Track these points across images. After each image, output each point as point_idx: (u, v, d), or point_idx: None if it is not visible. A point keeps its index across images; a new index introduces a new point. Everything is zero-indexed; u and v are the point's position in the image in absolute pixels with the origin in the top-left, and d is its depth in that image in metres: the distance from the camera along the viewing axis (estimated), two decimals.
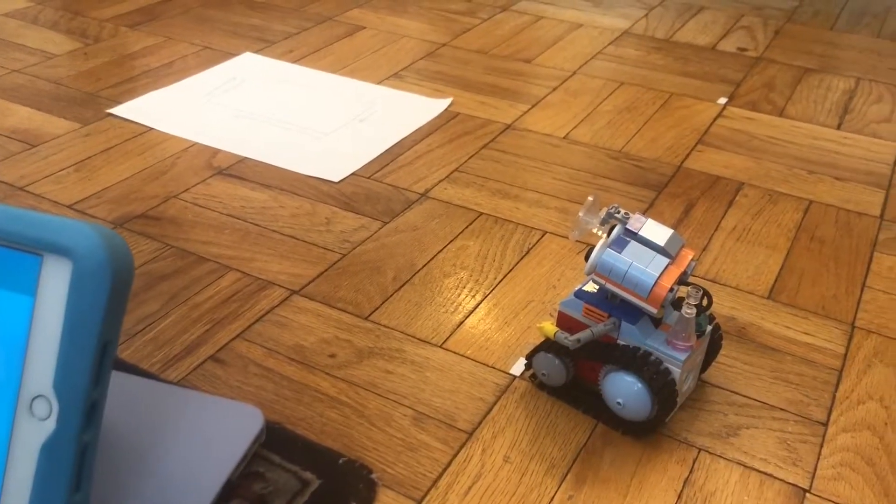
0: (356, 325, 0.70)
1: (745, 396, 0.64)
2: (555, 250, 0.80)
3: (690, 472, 0.58)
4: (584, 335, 0.58)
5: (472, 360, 0.67)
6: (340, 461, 0.57)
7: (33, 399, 0.43)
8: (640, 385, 0.57)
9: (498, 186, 0.91)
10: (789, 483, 0.57)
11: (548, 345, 0.62)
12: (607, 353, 0.59)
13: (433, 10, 1.41)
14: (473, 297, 0.74)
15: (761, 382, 0.66)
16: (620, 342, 0.59)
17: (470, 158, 0.96)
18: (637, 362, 0.57)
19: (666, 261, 0.57)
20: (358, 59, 1.21)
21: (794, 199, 0.90)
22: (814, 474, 0.58)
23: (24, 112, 1.04)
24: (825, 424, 0.62)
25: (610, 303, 0.60)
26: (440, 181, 0.91)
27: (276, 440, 0.58)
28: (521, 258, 0.79)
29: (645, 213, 0.87)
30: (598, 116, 1.07)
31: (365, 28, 1.33)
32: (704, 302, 0.59)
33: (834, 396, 0.65)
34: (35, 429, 0.43)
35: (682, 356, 0.57)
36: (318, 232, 0.82)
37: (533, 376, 0.65)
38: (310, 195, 0.88)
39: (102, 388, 0.43)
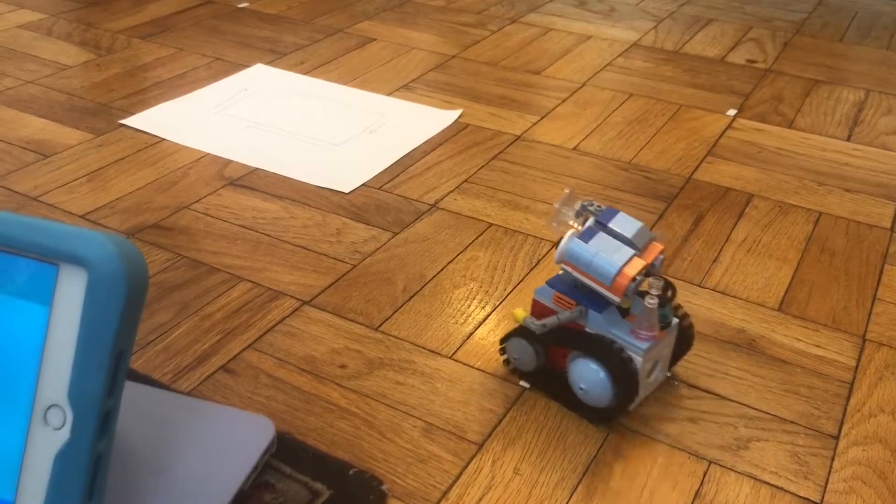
0: (366, 335, 0.70)
1: (755, 409, 0.64)
2: None
3: (701, 484, 0.58)
4: (549, 321, 0.60)
5: (482, 371, 0.67)
6: (351, 472, 0.57)
7: (48, 408, 0.43)
8: (602, 372, 0.58)
9: (508, 197, 0.91)
10: (800, 497, 0.57)
11: (520, 330, 0.64)
12: (574, 340, 0.61)
13: (443, 21, 1.42)
14: (483, 308, 0.74)
15: (772, 395, 0.65)
16: (588, 330, 0.61)
17: (479, 169, 0.96)
18: (601, 350, 0.59)
19: (631, 252, 0.58)
20: (368, 71, 1.22)
21: (804, 211, 0.90)
22: (825, 488, 0.58)
23: (38, 123, 1.05)
24: (836, 437, 0.62)
25: (578, 291, 0.61)
26: (450, 192, 0.92)
27: (286, 451, 0.58)
28: (531, 269, 0.79)
29: (655, 224, 0.87)
30: (607, 128, 1.07)
31: (375, 40, 1.33)
32: (668, 294, 0.60)
33: (845, 409, 0.64)
34: (49, 438, 0.43)
35: (645, 345, 0.58)
36: (329, 243, 0.83)
37: (507, 361, 0.67)
38: (321, 206, 0.89)
39: (116, 397, 0.44)
